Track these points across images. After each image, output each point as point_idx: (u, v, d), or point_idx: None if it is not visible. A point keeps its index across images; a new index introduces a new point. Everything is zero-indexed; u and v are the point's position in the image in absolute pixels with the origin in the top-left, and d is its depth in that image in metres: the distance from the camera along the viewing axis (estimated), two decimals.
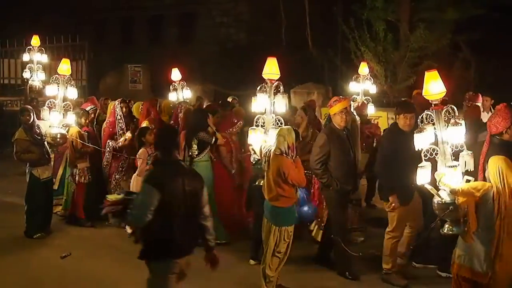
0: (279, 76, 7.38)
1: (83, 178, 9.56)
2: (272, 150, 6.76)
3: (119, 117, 10.02)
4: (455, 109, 5.52)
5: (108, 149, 9.85)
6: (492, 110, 10.19)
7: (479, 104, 9.73)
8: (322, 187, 7.84)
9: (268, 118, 7.43)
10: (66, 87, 9.31)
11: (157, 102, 10.47)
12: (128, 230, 5.46)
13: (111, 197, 5.48)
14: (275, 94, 7.44)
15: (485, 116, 9.71)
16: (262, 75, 7.41)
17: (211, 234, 5.50)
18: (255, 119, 7.51)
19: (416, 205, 7.25)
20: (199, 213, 5.34)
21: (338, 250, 7.57)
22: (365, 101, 9.49)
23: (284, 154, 6.68)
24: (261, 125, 7.48)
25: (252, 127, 7.43)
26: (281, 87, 7.46)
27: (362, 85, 9.72)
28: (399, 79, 15.92)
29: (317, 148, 7.51)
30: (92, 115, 10.22)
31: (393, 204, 7.13)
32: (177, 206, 5.10)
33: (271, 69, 7.34)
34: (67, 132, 9.30)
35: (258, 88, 7.47)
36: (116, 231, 9.38)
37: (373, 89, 9.89)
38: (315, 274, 7.73)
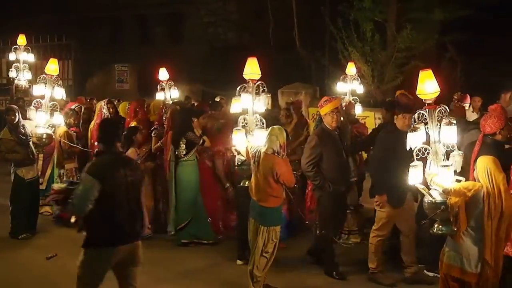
0: (260, 76, 7.30)
1: (70, 179, 9.50)
2: (263, 150, 6.71)
3: (107, 118, 9.95)
4: (448, 109, 5.54)
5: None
6: (481, 110, 10.29)
7: (467, 104, 9.78)
8: (315, 188, 7.80)
9: (250, 119, 7.34)
10: (53, 87, 9.25)
11: (144, 102, 10.40)
12: (72, 219, 5.53)
13: (56, 186, 5.74)
14: (257, 94, 7.36)
15: (472, 116, 9.77)
16: (243, 75, 7.32)
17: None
18: (238, 119, 7.44)
19: (408, 208, 7.23)
20: (139, 202, 5.50)
21: (326, 250, 7.58)
22: (352, 101, 9.49)
23: (276, 154, 6.67)
24: (244, 126, 7.39)
25: (236, 128, 7.33)
26: (264, 87, 7.37)
27: (350, 85, 9.72)
28: (386, 79, 15.97)
29: (308, 150, 7.46)
30: (82, 115, 10.17)
31: (379, 203, 7.14)
32: (119, 196, 5.23)
33: (252, 69, 7.23)
34: (54, 132, 9.25)
35: (238, 88, 7.38)
36: None
37: (360, 89, 9.89)
38: (302, 273, 7.74)
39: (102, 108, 10.07)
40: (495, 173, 5.16)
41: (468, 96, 10.00)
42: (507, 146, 6.45)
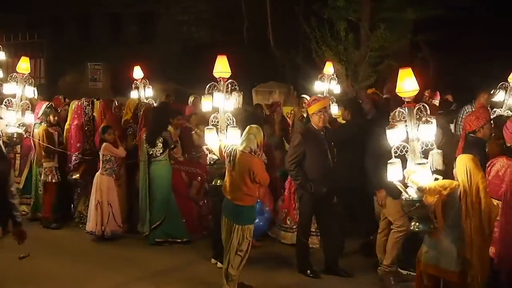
0: (230, 74, 7.25)
1: (50, 177, 9.40)
2: (240, 149, 6.69)
3: (88, 118, 9.83)
4: (427, 107, 5.56)
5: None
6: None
7: (437, 101, 9.87)
8: (297, 188, 7.78)
9: (221, 117, 7.29)
10: (25, 86, 9.13)
11: (112, 102, 10.23)
12: None
13: None
14: (228, 92, 7.30)
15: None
16: (213, 74, 7.25)
17: (18, 210, 5.85)
18: (210, 118, 7.37)
19: None
20: (8, 192, 5.59)
21: (300, 248, 7.59)
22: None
23: (253, 153, 6.67)
24: (215, 125, 7.31)
25: (208, 127, 7.22)
26: (235, 86, 7.32)
27: (327, 84, 9.70)
28: (359, 78, 16.04)
29: (291, 148, 7.47)
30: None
31: (380, 200, 7.14)
32: None
33: (222, 67, 7.17)
34: (25, 131, 9.13)
35: (208, 86, 7.33)
36: (77, 232, 9.29)
37: (337, 89, 9.88)
38: (276, 271, 7.77)
39: (81, 107, 9.90)
40: (474, 171, 5.18)
41: (438, 93, 10.08)
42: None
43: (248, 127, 6.88)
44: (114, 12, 26.39)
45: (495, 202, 5.92)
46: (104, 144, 8.84)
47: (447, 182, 5.32)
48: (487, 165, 6.14)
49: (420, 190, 5.33)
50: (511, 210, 5.79)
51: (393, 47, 15.87)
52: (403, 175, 5.47)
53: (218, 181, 7.20)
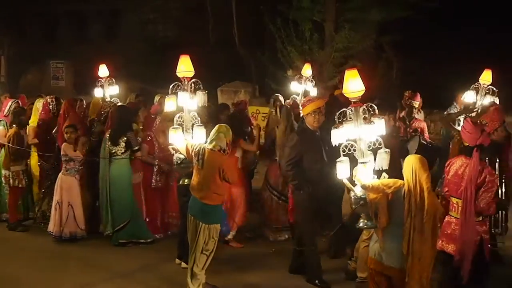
0: (193, 73, 7.22)
1: (17, 182, 9.23)
2: (209, 147, 6.66)
3: (52, 116, 9.67)
4: (375, 107, 5.63)
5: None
6: (421, 110, 10.53)
7: (417, 102, 9.86)
8: (293, 190, 7.59)
9: (186, 117, 7.21)
10: None
11: (74, 102, 10.07)
12: None
13: None
14: (192, 91, 7.28)
15: (416, 115, 9.96)
16: (176, 73, 7.19)
17: None
18: (175, 118, 7.28)
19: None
20: None
21: (309, 258, 7.40)
22: (296, 101, 9.46)
23: (222, 151, 6.66)
24: (180, 124, 7.22)
25: (174, 127, 7.12)
26: (200, 85, 7.29)
27: (303, 85, 9.66)
28: (324, 78, 16.17)
29: (288, 149, 7.35)
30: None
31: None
32: None
33: (185, 66, 7.11)
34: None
35: (171, 86, 7.29)
36: (41, 233, 9.15)
37: (314, 91, 9.82)
38: (239, 271, 7.75)
39: (47, 105, 9.73)
40: (420, 171, 5.24)
41: (419, 95, 10.05)
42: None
43: (217, 125, 6.88)
44: (78, 9, 26.07)
45: (454, 200, 6.06)
46: (63, 144, 8.72)
47: (391, 181, 5.41)
48: (445, 165, 6.27)
49: (363, 187, 5.48)
50: (470, 208, 5.90)
51: (357, 47, 16.06)
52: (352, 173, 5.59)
53: (186, 180, 7.17)
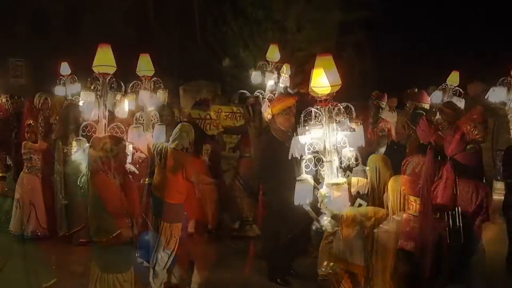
0: (153, 72, 7.20)
1: None
2: (172, 146, 6.66)
3: (10, 116, 9.55)
4: (352, 108, 4.72)
5: None
6: (395, 110, 10.67)
7: (384, 103, 9.97)
8: (264, 192, 7.44)
9: (147, 115, 7.23)
10: None
11: (39, 99, 9.94)
12: None
13: None
14: (152, 90, 7.26)
15: (389, 116, 10.08)
16: (136, 72, 7.19)
17: None
18: (134, 116, 7.26)
19: None
20: None
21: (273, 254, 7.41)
22: (267, 100, 9.45)
23: (185, 150, 6.66)
24: (140, 123, 7.22)
25: (133, 125, 7.03)
26: (160, 84, 7.27)
27: (281, 86, 9.63)
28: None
29: (261, 152, 7.37)
30: None
31: None
32: None
33: (145, 65, 7.13)
34: None
35: (130, 85, 7.24)
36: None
37: (282, 83, 9.78)
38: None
39: (3, 104, 9.60)
40: (383, 170, 5.33)
41: (386, 95, 10.15)
42: None
43: (180, 124, 6.88)
44: (38, 7, 25.65)
45: (412, 198, 6.17)
46: (23, 142, 8.62)
47: (371, 210, 4.85)
48: (402, 163, 6.38)
49: (335, 218, 4.61)
50: (428, 206, 6.01)
51: (318, 48, 16.19)
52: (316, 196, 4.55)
53: (147, 180, 7.16)
